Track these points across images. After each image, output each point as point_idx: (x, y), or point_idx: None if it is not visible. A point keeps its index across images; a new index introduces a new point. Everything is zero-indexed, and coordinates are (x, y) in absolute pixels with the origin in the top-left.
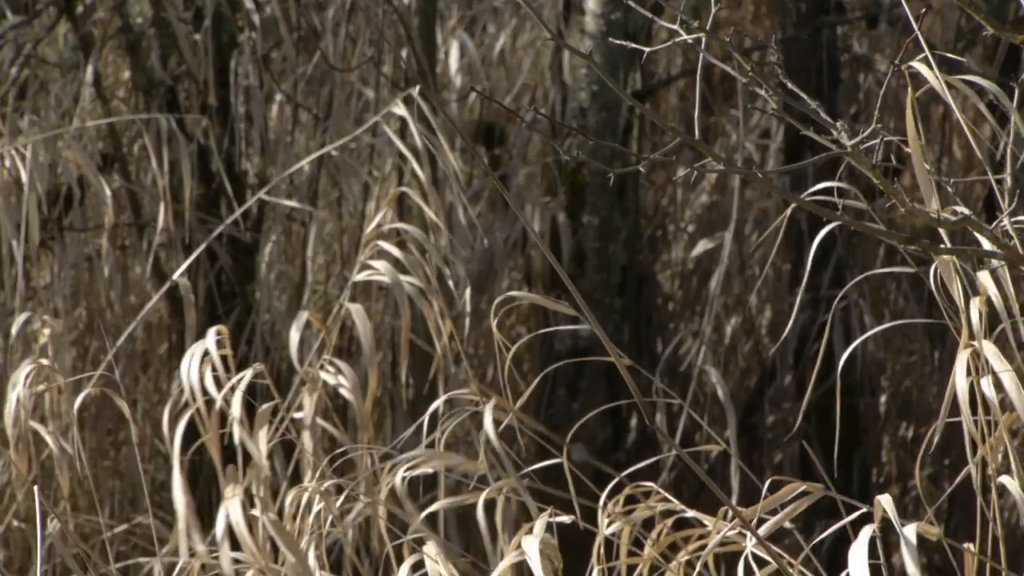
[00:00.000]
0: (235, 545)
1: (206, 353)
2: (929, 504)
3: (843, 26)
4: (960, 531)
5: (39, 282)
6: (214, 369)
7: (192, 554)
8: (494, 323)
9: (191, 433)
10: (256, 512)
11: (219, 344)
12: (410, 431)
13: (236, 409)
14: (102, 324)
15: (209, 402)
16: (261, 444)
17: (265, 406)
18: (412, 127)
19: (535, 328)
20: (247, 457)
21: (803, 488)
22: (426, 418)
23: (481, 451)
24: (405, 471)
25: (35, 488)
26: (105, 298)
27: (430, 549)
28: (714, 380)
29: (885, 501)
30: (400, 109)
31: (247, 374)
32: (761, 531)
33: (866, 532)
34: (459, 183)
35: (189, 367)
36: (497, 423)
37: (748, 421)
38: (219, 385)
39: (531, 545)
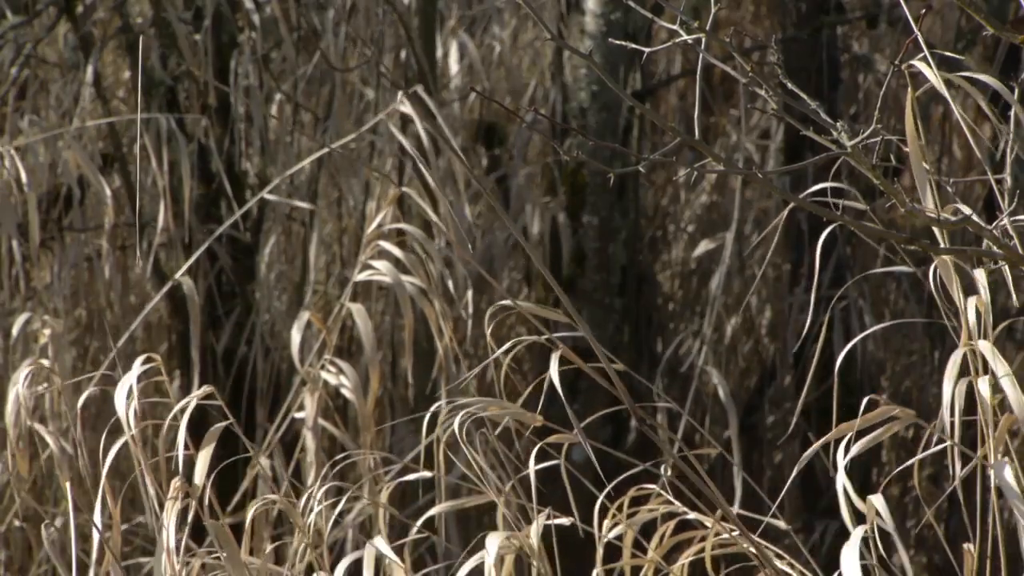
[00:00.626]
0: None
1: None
2: (929, 504)
3: (843, 26)
4: (960, 531)
5: (39, 282)
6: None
7: (193, 554)
8: (487, 329)
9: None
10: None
11: (153, 372)
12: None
13: (182, 431)
14: (102, 324)
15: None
16: (203, 463)
17: (215, 427)
18: (418, 125)
19: (535, 328)
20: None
21: (896, 411)
22: (427, 418)
23: (479, 456)
24: (462, 418)
25: (67, 485)
26: (105, 298)
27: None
28: (714, 380)
29: (878, 502)
30: (405, 107)
31: (193, 397)
32: (848, 456)
33: (858, 532)
34: (466, 172)
35: (121, 398)
36: (496, 425)
37: (748, 421)
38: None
39: (492, 543)
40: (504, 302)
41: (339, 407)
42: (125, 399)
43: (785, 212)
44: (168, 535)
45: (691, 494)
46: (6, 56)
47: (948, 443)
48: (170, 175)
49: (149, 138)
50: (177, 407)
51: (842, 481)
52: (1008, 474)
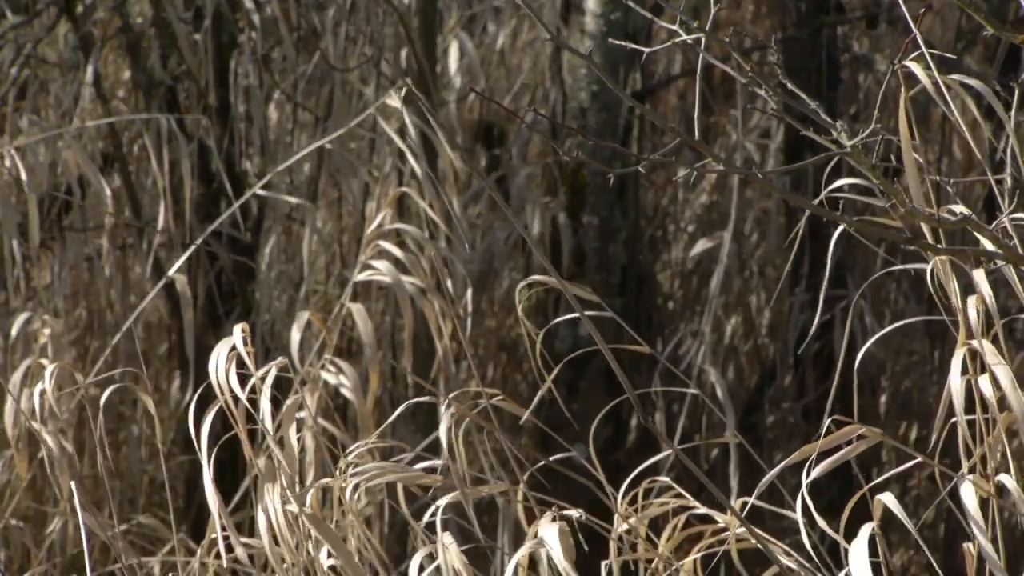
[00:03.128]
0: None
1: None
2: (928, 504)
3: (843, 26)
4: (960, 531)
5: (39, 282)
6: (240, 365)
7: (228, 549)
8: (520, 307)
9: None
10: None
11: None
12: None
13: (265, 402)
14: (102, 324)
15: (236, 399)
16: (293, 438)
17: (290, 400)
18: (407, 119)
19: (535, 327)
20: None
21: (862, 431)
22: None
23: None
24: (358, 483)
25: (72, 485)
26: (105, 298)
27: (446, 540)
28: (714, 380)
29: (888, 499)
30: (394, 100)
31: (272, 366)
32: (814, 473)
33: (865, 530)
34: (465, 172)
35: (217, 363)
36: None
37: (748, 421)
38: (243, 382)
39: (550, 532)
40: (535, 277)
41: (339, 407)
42: (225, 365)
43: (780, 214)
44: (278, 515)
45: (696, 489)
46: (6, 56)
47: (934, 464)
48: (170, 175)
49: (149, 138)
50: (257, 375)
51: (801, 504)
52: (968, 491)
